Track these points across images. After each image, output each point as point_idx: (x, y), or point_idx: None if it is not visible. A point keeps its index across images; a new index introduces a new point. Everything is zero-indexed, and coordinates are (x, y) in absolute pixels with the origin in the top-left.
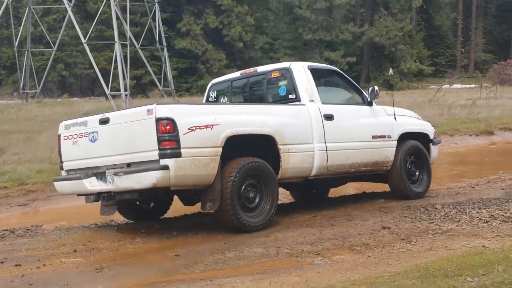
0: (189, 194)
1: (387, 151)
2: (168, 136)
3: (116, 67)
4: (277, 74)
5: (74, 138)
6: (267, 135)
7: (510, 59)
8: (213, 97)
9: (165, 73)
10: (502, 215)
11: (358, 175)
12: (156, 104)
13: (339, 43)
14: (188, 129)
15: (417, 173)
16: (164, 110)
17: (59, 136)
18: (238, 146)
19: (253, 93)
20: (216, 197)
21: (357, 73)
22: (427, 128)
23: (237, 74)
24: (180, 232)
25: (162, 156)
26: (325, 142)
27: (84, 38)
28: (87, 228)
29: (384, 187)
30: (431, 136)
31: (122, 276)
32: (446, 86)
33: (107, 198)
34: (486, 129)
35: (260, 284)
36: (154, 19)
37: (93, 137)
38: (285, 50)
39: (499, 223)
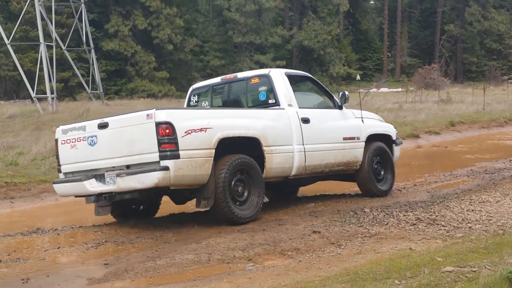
0: (182, 194)
1: (357, 152)
2: (168, 139)
3: (41, 69)
4: (256, 80)
5: (72, 142)
6: (253, 137)
7: (434, 63)
8: (194, 101)
9: (93, 76)
10: (428, 217)
11: (330, 175)
12: (156, 109)
13: (268, 46)
14: (185, 132)
15: (382, 173)
16: (163, 114)
17: (56, 140)
18: (228, 147)
19: (233, 97)
20: (210, 195)
21: None
22: (390, 130)
23: (217, 79)
24: (110, 240)
25: (162, 157)
26: (303, 144)
27: (8, 39)
28: (12, 236)
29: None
30: (394, 137)
31: (49, 287)
32: (374, 89)
33: (108, 198)
34: (412, 133)
35: None
36: (80, 19)
37: (92, 140)
38: (215, 53)
39: (425, 226)
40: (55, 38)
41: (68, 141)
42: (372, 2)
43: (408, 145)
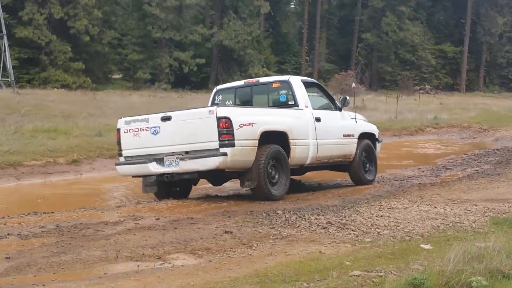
0: (220, 177)
1: (352, 147)
2: (226, 131)
3: None
4: (277, 84)
5: (135, 131)
6: (283, 132)
7: (350, 70)
8: (218, 100)
9: (5, 63)
10: (339, 221)
11: (329, 165)
12: (217, 107)
13: (188, 44)
14: (239, 125)
15: (367, 165)
16: (223, 111)
17: (118, 129)
18: (265, 139)
19: (255, 99)
20: (254, 177)
21: (206, 74)
22: (374, 129)
23: (241, 82)
24: (14, 233)
25: (221, 145)
26: (316, 139)
27: None
28: None
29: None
30: (377, 136)
31: None
32: None
33: (169, 178)
34: None
35: None
36: None
37: (155, 130)
38: (133, 47)
39: (336, 230)
40: None
41: (131, 131)
42: (293, 6)
43: None
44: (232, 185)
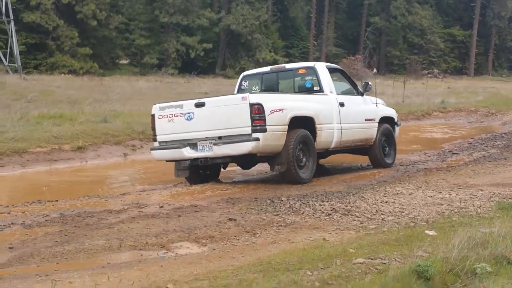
0: (250, 161)
1: (373, 131)
2: (259, 116)
3: None
4: (303, 71)
5: (169, 117)
6: (310, 117)
7: (358, 54)
8: (245, 85)
9: (12, 48)
10: (343, 208)
11: (350, 149)
12: (250, 93)
13: (195, 29)
14: (270, 111)
15: (387, 149)
16: (255, 97)
17: (153, 115)
18: (293, 123)
19: (281, 84)
20: (284, 161)
21: (213, 59)
22: (393, 113)
23: (267, 68)
24: (17, 222)
25: (254, 131)
26: (340, 123)
27: None
28: None
29: None
30: (396, 120)
31: None
32: None
33: (203, 162)
34: None
35: (99, 278)
36: None
37: (189, 116)
38: (140, 32)
39: (340, 216)
40: None
41: (165, 116)
42: None
43: None
44: (239, 170)
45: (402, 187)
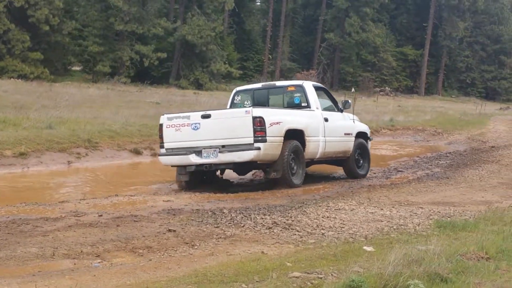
0: (245, 168)
1: (351, 144)
2: (260, 128)
3: None
4: (292, 88)
5: (177, 127)
6: (301, 130)
7: (312, 69)
8: (237, 100)
9: None
10: (284, 222)
11: (329, 159)
12: (252, 107)
13: (150, 38)
14: (270, 124)
15: (361, 161)
16: (258, 111)
17: (161, 125)
18: (288, 135)
19: (271, 100)
20: (279, 168)
21: (167, 69)
22: (367, 129)
23: (259, 85)
24: None
25: (256, 141)
26: (324, 136)
27: None
28: None
29: None
30: (368, 135)
31: None
32: None
33: (208, 168)
34: None
35: (27, 287)
36: None
37: (195, 126)
38: (94, 39)
39: (280, 230)
40: None
41: (173, 126)
42: (258, 3)
43: None
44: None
45: (344, 202)
